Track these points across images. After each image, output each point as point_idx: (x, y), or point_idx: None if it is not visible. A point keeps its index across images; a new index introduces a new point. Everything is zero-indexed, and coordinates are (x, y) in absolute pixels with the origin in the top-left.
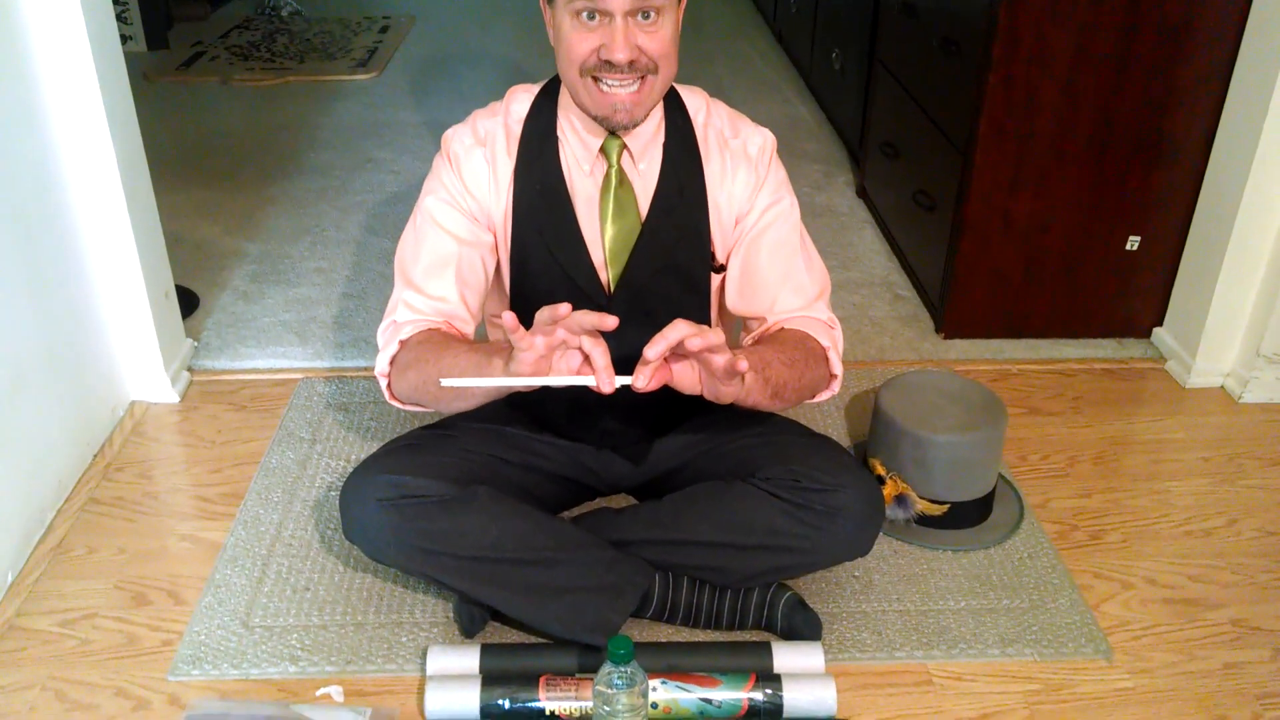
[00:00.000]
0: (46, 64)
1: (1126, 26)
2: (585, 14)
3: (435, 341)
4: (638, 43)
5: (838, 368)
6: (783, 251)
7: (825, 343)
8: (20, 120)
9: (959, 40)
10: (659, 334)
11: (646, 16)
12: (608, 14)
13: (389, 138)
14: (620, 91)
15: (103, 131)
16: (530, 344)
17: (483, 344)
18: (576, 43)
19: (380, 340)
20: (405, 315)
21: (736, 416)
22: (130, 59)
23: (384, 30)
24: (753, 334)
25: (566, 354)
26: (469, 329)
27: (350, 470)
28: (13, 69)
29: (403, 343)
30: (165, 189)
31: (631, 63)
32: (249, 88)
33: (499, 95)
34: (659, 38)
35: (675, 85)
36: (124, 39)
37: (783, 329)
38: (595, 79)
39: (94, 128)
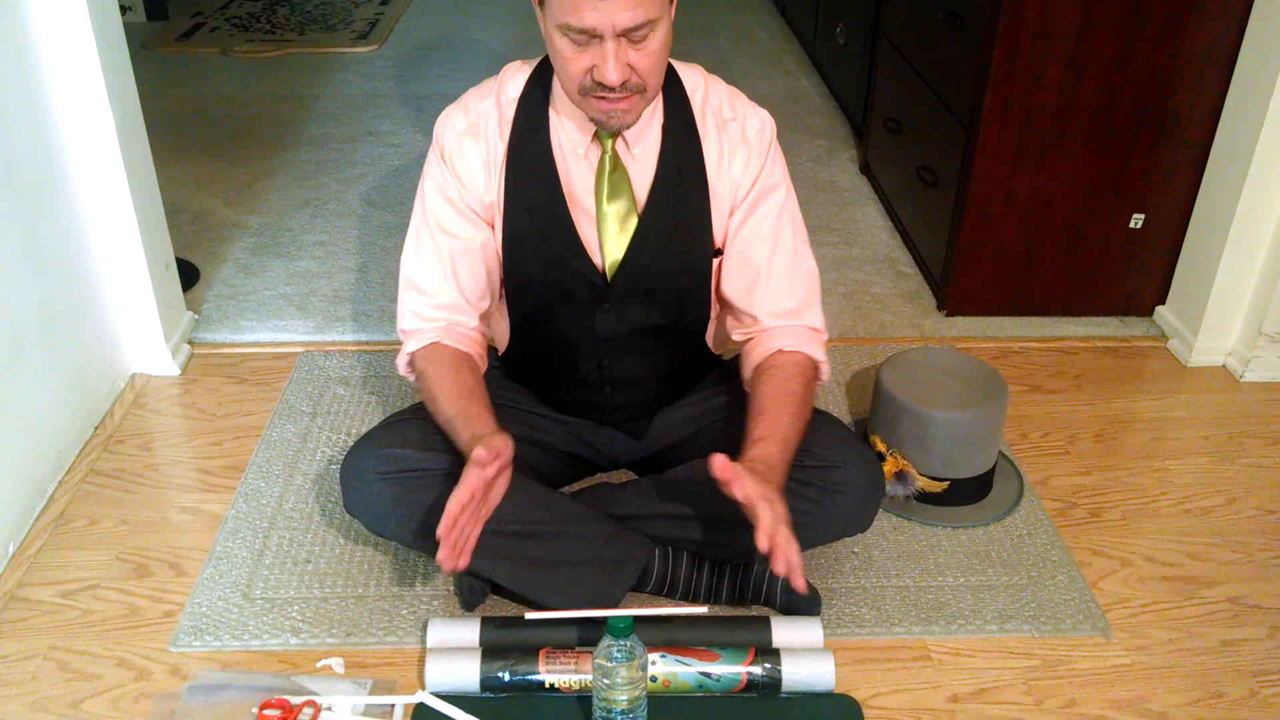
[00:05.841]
0: (45, 34)
1: (1133, 1)
2: (574, 35)
3: (436, 376)
4: (629, 61)
5: (825, 372)
6: (775, 244)
7: (819, 356)
8: (19, 91)
9: (964, 14)
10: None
11: (638, 30)
12: (598, 35)
13: (389, 110)
14: (616, 102)
15: (102, 102)
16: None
17: (463, 415)
18: (570, 62)
19: (401, 336)
20: (410, 323)
21: (737, 393)
22: (129, 29)
23: (385, 2)
24: (750, 359)
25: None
26: (472, 323)
27: (351, 444)
28: (12, 39)
29: (412, 355)
30: (165, 161)
31: (624, 83)
32: (249, 59)
33: (500, 68)
34: (648, 52)
35: (672, 62)
36: (123, 9)
37: (776, 365)
38: (593, 95)
39: (93, 98)
